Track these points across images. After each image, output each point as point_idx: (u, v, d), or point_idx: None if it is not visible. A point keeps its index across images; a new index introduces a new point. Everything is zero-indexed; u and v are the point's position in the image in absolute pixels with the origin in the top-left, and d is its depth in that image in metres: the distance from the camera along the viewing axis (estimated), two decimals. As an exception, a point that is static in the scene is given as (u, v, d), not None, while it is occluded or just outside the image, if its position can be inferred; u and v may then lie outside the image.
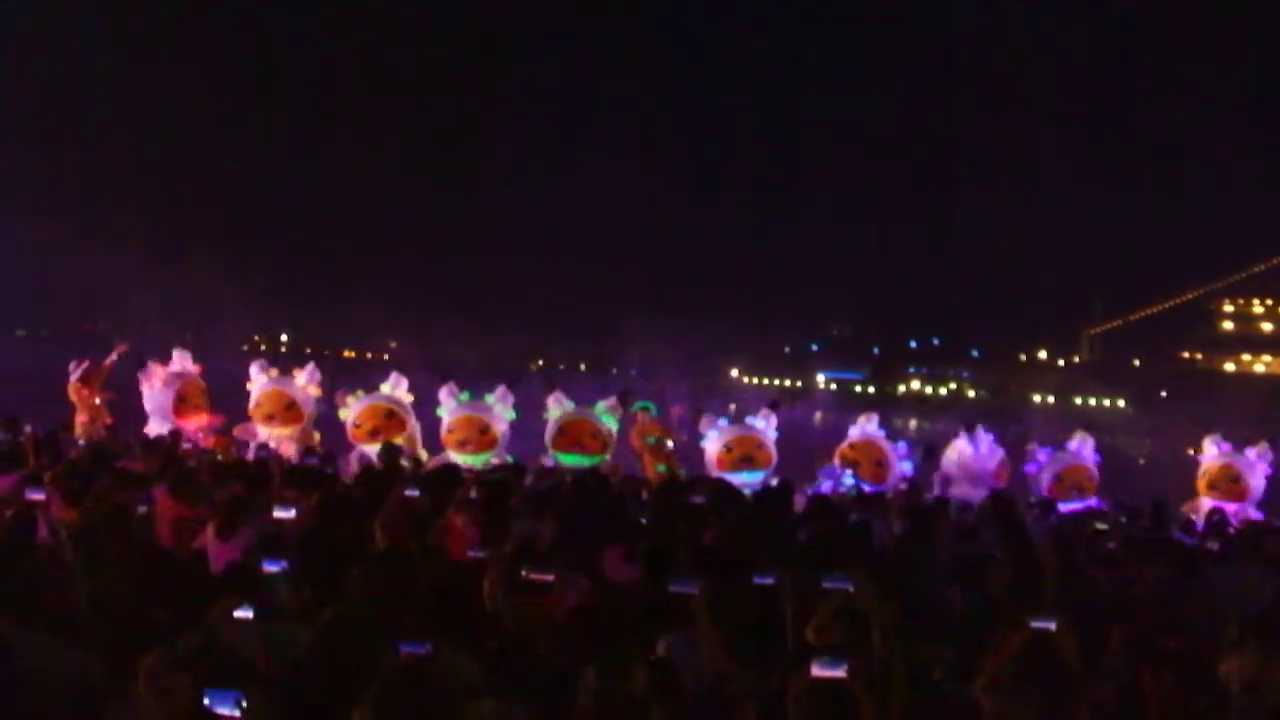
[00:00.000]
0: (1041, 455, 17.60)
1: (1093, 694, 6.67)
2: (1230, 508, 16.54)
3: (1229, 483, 17.53)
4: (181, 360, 18.37)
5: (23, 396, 18.08)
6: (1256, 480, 17.60)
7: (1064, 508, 15.47)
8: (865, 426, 18.02)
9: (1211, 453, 17.93)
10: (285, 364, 18.68)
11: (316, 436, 17.78)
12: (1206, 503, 17.16)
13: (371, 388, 17.64)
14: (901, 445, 18.07)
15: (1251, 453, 17.79)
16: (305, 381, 17.93)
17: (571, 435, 17.36)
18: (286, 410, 17.59)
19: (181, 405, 17.80)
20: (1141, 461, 17.53)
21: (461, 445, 16.87)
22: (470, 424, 17.10)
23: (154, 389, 17.84)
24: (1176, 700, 6.98)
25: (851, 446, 17.75)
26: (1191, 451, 18.61)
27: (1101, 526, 13.51)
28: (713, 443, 17.37)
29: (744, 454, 17.09)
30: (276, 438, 16.95)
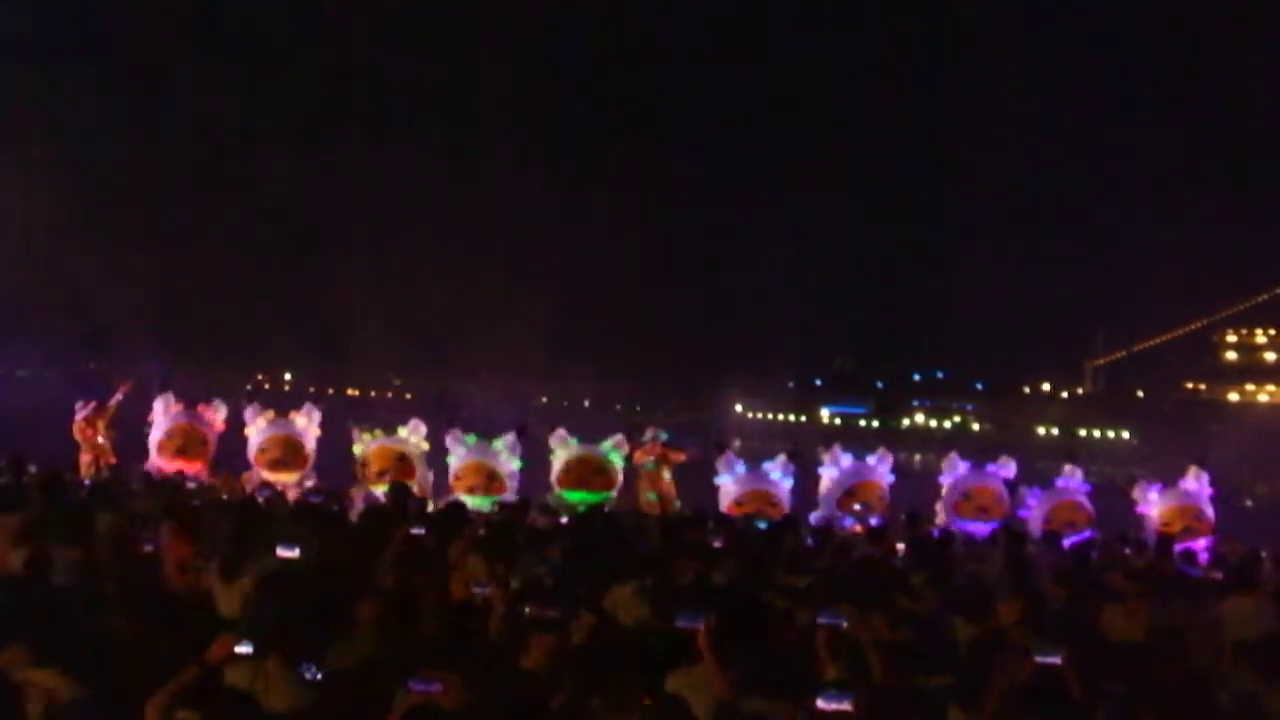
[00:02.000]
0: (1031, 499, 17.45)
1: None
2: (1201, 543, 16.33)
3: (1196, 521, 17.10)
4: (210, 412, 18.14)
5: (28, 436, 18.02)
6: (1210, 508, 17.22)
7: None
8: (877, 466, 18.01)
9: (1151, 499, 17.48)
10: (289, 404, 18.48)
11: (312, 479, 17.59)
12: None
13: (388, 427, 17.57)
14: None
15: (1189, 483, 17.35)
16: (306, 423, 17.80)
17: (578, 473, 17.31)
18: (295, 456, 17.50)
19: (166, 444, 17.62)
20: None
21: (470, 491, 16.75)
22: (478, 470, 17.02)
23: (156, 424, 17.76)
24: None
25: (849, 493, 17.66)
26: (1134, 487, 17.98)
27: (1106, 559, 13.53)
28: (728, 489, 17.28)
29: (756, 509, 17.00)
30: (282, 483, 16.77)
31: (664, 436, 17.95)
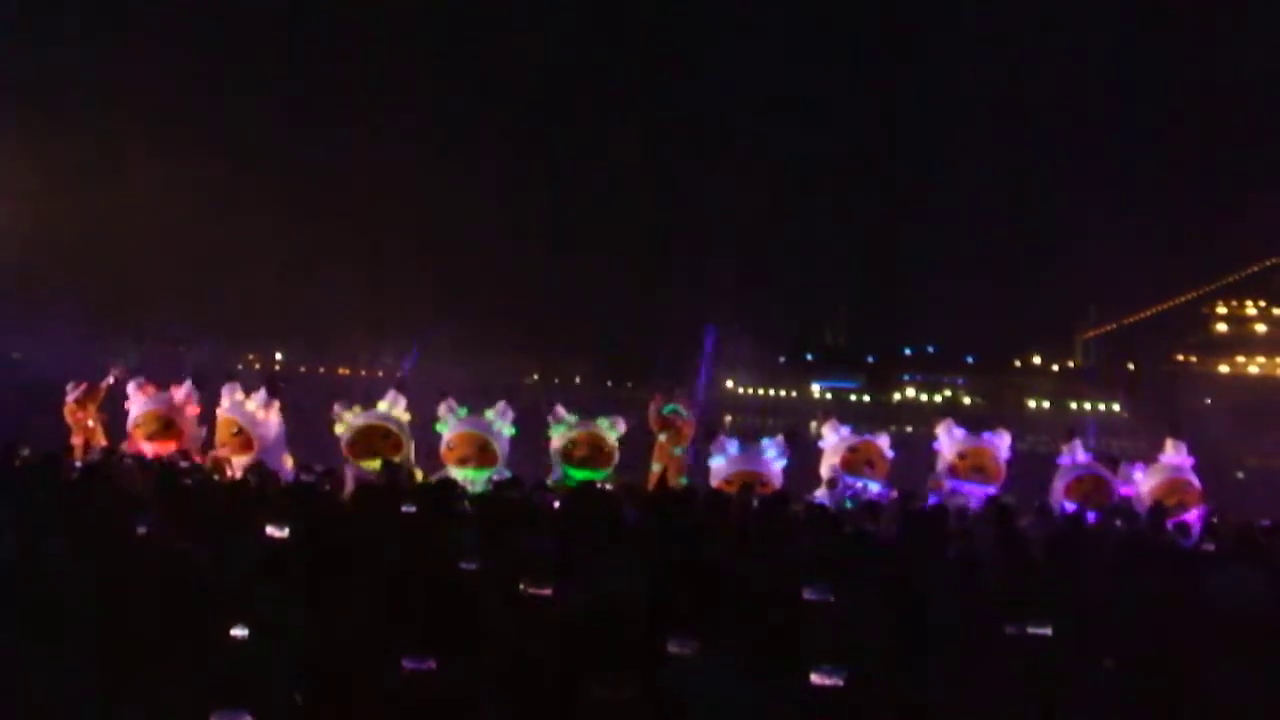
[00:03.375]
0: (1080, 454, 17.33)
1: (1087, 698, 6.72)
2: (1195, 513, 16.28)
3: (1186, 493, 16.93)
4: (180, 394, 18.00)
5: (19, 418, 17.94)
6: (1196, 477, 17.17)
7: (1066, 504, 15.53)
8: (877, 436, 18.03)
9: (1137, 479, 17.30)
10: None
11: (289, 461, 17.37)
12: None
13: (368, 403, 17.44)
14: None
15: (1170, 456, 17.29)
16: (257, 406, 17.52)
17: (586, 451, 17.28)
18: (234, 437, 17.26)
19: (137, 431, 17.47)
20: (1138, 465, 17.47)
21: (462, 462, 16.72)
22: (470, 440, 16.98)
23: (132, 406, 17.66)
24: (1170, 703, 7.02)
25: (853, 450, 17.66)
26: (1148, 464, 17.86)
27: (1098, 531, 13.58)
28: (719, 468, 17.27)
29: (745, 485, 17.04)
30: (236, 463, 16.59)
31: (683, 411, 17.93)
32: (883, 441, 18.00)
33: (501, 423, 17.21)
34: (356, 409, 17.26)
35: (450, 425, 17.11)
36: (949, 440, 17.71)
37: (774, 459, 17.21)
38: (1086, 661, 7.00)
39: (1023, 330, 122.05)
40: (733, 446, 17.41)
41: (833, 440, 17.90)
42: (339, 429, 17.17)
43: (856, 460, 17.56)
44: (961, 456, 17.50)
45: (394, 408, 17.28)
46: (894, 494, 16.45)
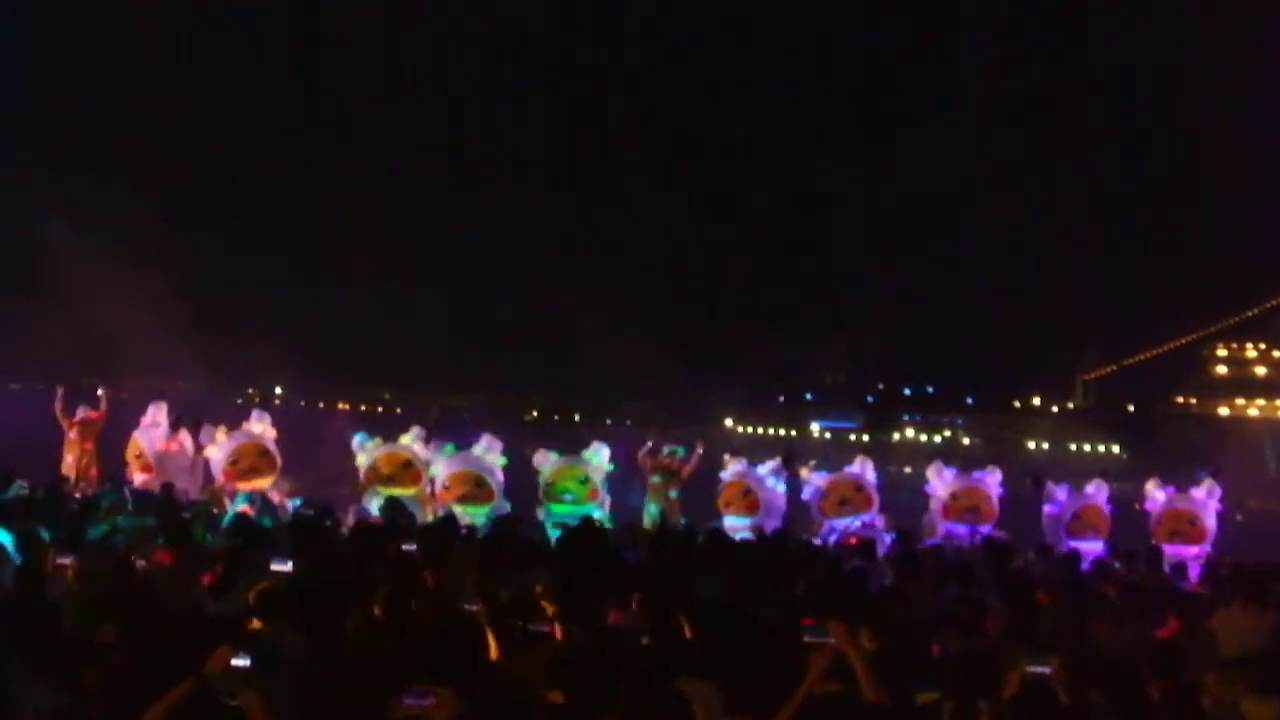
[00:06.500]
0: (1060, 492, 17.46)
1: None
2: (1192, 551, 16.32)
3: (1187, 525, 17.18)
4: (155, 413, 18.07)
5: (15, 450, 17.95)
6: (1210, 519, 17.26)
7: (1074, 544, 15.58)
8: (865, 468, 18.01)
9: (1158, 498, 17.59)
10: (275, 416, 18.38)
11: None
12: (1167, 550, 16.60)
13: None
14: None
15: (1199, 492, 17.46)
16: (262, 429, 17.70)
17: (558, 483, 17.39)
18: (262, 458, 17.36)
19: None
20: (1136, 506, 17.47)
21: (461, 500, 16.80)
22: (466, 478, 17.10)
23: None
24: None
25: (858, 489, 17.66)
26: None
27: (1098, 570, 13.58)
28: (721, 485, 17.53)
29: (728, 499, 17.24)
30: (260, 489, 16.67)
31: (680, 451, 17.99)
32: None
33: (492, 456, 17.30)
34: (378, 440, 17.47)
35: (442, 464, 17.23)
36: (939, 482, 17.74)
37: (767, 476, 17.36)
38: (1084, 701, 7.00)
39: (1023, 371, 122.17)
40: (737, 465, 17.63)
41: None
42: (360, 460, 17.32)
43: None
44: (954, 497, 17.54)
45: (415, 442, 17.42)
46: (889, 533, 16.46)
